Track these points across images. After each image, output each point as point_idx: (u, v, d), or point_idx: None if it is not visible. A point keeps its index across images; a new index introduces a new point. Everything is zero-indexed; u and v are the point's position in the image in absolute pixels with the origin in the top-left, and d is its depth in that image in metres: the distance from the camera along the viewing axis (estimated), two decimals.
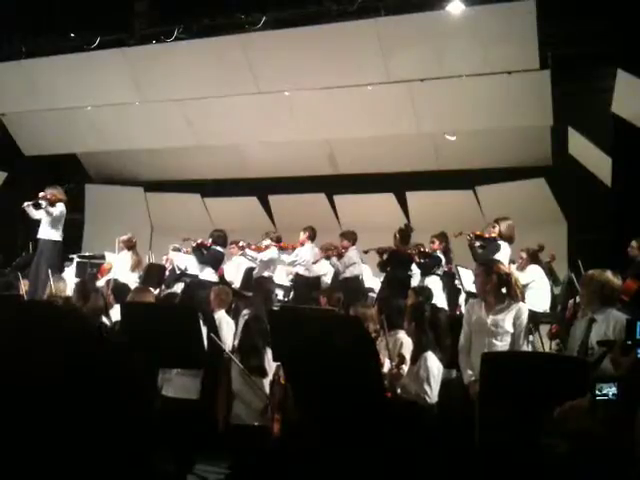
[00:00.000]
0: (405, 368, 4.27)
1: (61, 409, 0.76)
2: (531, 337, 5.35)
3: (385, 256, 8.13)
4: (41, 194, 8.64)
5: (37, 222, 8.78)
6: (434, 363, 4.23)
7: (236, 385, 4.84)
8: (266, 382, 4.75)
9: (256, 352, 4.76)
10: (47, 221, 8.63)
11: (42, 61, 10.72)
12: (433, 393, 4.16)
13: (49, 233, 8.63)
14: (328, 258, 8.69)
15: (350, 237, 8.83)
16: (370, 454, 3.91)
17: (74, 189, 12.13)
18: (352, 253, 8.67)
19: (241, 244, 9.43)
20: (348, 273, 8.63)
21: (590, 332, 4.11)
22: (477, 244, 7.35)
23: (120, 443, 0.80)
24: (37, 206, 8.70)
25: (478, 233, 7.37)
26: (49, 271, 7.82)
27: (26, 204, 8.73)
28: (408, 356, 4.33)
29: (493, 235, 7.12)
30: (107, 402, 0.80)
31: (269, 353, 4.71)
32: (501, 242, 7.00)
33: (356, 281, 8.57)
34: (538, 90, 9.18)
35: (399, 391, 4.21)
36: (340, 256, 8.57)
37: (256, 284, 6.43)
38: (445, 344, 4.35)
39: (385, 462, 3.85)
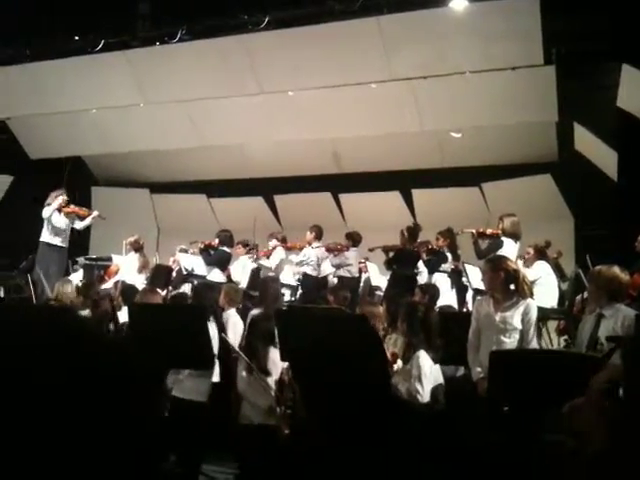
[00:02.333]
0: (396, 367, 4.28)
1: (65, 411, 0.76)
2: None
3: (391, 254, 8.13)
4: (79, 210, 9.48)
5: (41, 225, 9.28)
6: (426, 362, 4.21)
7: (241, 385, 4.84)
8: (271, 381, 4.75)
9: (259, 351, 4.76)
10: (68, 230, 9.36)
11: (47, 64, 10.72)
12: (425, 392, 4.13)
13: (66, 240, 9.35)
14: (329, 252, 8.77)
15: (350, 238, 8.86)
16: (377, 452, 3.91)
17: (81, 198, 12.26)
18: (349, 254, 8.69)
19: (249, 249, 9.39)
20: (343, 272, 8.67)
21: (599, 328, 4.10)
22: (480, 241, 7.37)
23: (124, 444, 0.80)
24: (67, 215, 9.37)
25: (481, 230, 7.39)
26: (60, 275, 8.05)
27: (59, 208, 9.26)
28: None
29: (496, 232, 7.12)
30: (110, 403, 0.80)
31: (274, 352, 4.71)
32: (504, 239, 6.98)
33: (352, 281, 8.58)
34: (543, 86, 9.14)
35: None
36: (336, 252, 8.64)
37: (263, 284, 6.43)
38: (436, 344, 4.34)
39: (390, 460, 3.85)
